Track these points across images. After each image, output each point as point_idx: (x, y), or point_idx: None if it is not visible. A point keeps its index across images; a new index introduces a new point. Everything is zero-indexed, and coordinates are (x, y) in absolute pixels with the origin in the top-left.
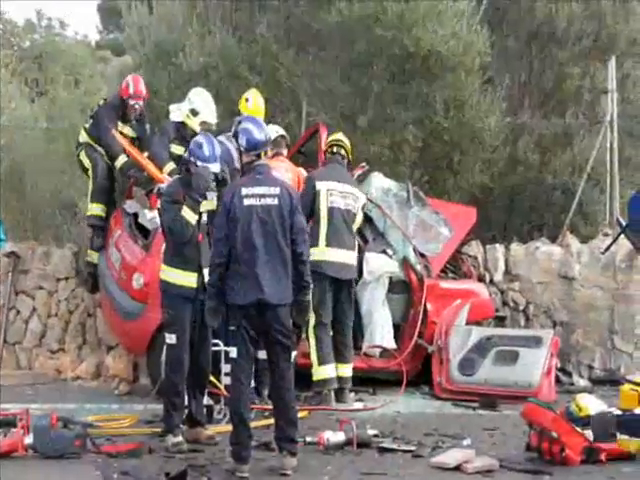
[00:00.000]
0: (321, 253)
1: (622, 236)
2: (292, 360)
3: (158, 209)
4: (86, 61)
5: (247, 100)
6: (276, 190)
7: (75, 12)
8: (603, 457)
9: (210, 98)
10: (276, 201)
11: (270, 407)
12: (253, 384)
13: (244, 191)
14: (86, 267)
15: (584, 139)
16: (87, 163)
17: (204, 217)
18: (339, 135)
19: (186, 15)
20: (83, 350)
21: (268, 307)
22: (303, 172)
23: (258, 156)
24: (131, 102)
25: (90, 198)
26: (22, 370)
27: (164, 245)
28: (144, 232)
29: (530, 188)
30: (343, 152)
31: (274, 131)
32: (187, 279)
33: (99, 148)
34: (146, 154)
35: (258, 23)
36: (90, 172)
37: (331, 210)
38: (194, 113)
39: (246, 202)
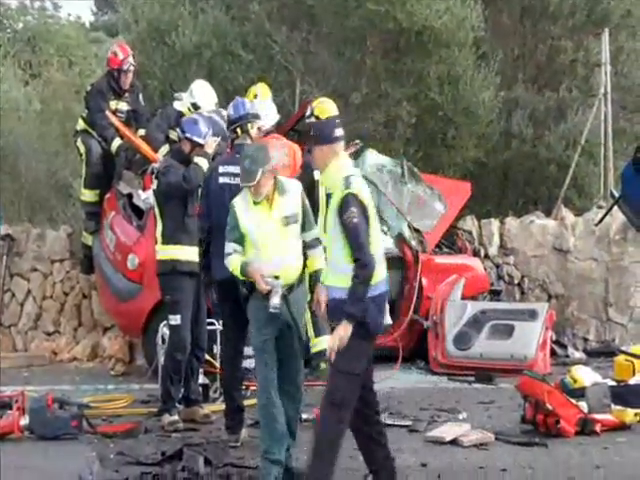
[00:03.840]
0: None
1: (616, 208)
2: None
3: (153, 190)
4: (80, 43)
5: (256, 96)
6: None
7: None
8: (598, 428)
9: (212, 92)
10: None
11: None
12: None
13: (221, 169)
14: (81, 249)
15: (578, 112)
16: (82, 150)
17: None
18: (331, 109)
19: None
20: (79, 332)
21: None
22: (297, 149)
23: (234, 131)
24: (124, 68)
25: (83, 184)
26: (18, 352)
27: (159, 226)
28: (138, 214)
29: (524, 162)
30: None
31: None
32: (191, 254)
33: (95, 134)
34: (142, 132)
35: (251, 0)
36: (84, 158)
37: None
38: (195, 107)
39: (220, 180)
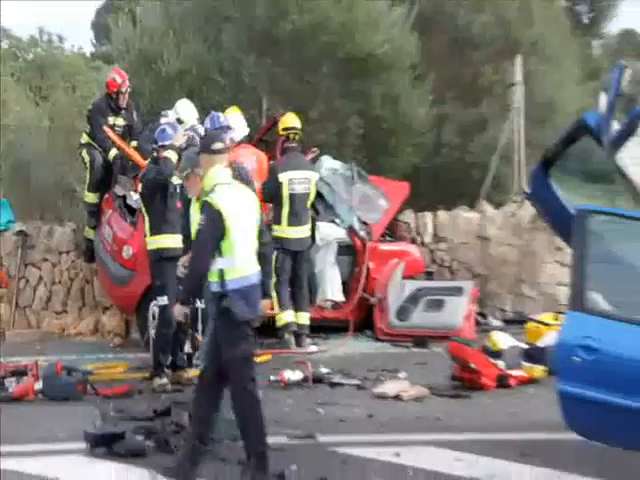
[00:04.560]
0: (283, 231)
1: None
2: None
3: (139, 190)
4: (82, 70)
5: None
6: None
7: (72, 28)
8: (513, 382)
9: (194, 108)
10: None
11: None
12: None
13: None
14: (84, 242)
15: (496, 124)
16: (87, 159)
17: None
18: (294, 122)
19: (164, 28)
20: (83, 311)
21: None
22: (264, 156)
23: None
24: (122, 90)
25: (87, 188)
26: (32, 329)
27: (146, 221)
28: (132, 212)
29: (453, 166)
30: (298, 137)
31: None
32: (175, 241)
33: (96, 146)
34: (134, 143)
35: (224, 33)
36: (88, 166)
37: (292, 196)
38: (179, 122)
39: None
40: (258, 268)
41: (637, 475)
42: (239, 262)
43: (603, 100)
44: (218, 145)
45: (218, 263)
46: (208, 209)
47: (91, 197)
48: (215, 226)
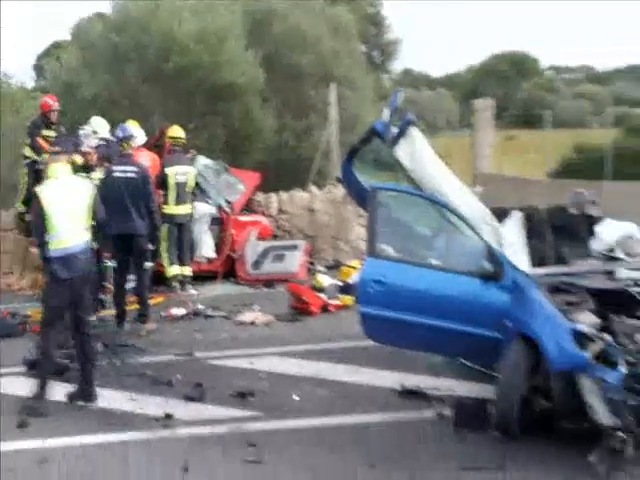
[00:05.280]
0: (171, 209)
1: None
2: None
3: None
4: (24, 99)
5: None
6: (133, 168)
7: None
8: (332, 309)
9: (105, 123)
10: (134, 175)
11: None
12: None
13: (114, 168)
14: (22, 223)
15: (319, 132)
16: (24, 179)
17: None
18: (177, 132)
19: (81, 65)
20: (24, 272)
21: (135, 236)
22: (156, 157)
23: (122, 145)
24: (54, 109)
25: (21, 200)
26: None
27: None
28: None
29: (290, 160)
30: (180, 143)
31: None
32: None
33: (35, 157)
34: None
35: (126, 69)
36: (24, 185)
37: (177, 184)
38: (94, 132)
39: (115, 174)
40: (84, 240)
41: (413, 363)
42: (61, 237)
43: (386, 113)
44: (56, 149)
45: (45, 237)
46: (36, 201)
47: (22, 208)
48: (37, 212)
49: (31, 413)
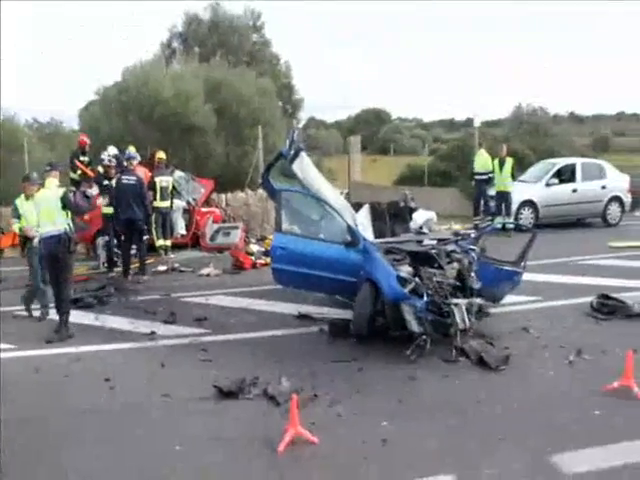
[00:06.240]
0: (157, 203)
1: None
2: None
3: None
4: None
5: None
6: (134, 178)
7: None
8: (259, 266)
9: (116, 149)
10: (135, 182)
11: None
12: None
13: (122, 177)
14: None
15: (252, 154)
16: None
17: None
18: (161, 155)
19: (102, 114)
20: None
21: (136, 220)
22: (148, 171)
23: (130, 162)
24: (86, 144)
25: None
26: None
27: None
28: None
29: (234, 172)
30: (163, 161)
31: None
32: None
33: (75, 177)
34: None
35: (130, 116)
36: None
37: (161, 188)
38: (109, 155)
39: (123, 181)
40: (58, 229)
41: (305, 298)
42: (41, 227)
43: (287, 144)
44: (47, 168)
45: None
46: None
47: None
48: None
49: (62, 337)
